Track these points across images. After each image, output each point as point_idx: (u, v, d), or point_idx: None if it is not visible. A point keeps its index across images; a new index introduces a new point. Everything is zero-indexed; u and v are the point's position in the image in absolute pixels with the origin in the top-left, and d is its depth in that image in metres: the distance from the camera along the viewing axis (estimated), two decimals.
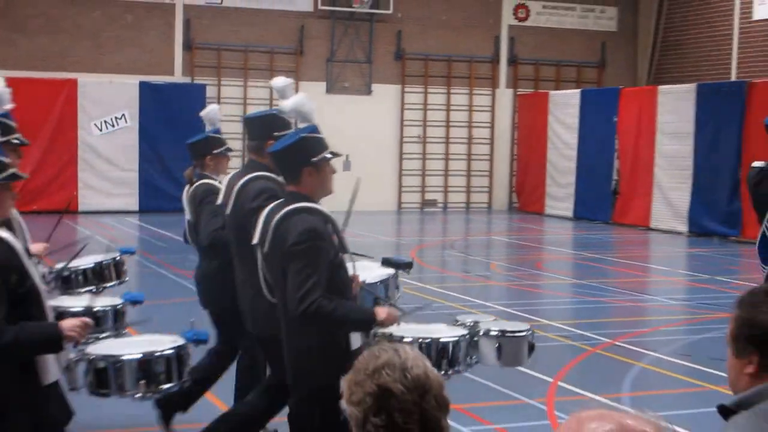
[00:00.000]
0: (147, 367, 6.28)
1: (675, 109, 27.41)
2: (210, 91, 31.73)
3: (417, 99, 34.11)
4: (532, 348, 7.10)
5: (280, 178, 7.18)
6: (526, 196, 33.74)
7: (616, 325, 14.29)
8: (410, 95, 34.08)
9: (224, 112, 31.90)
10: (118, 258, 9.20)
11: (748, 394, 3.75)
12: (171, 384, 6.44)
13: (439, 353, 6.55)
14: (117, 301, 8.14)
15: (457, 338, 6.72)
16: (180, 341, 6.52)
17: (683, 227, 27.20)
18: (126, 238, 23.31)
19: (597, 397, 10.04)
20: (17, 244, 5.78)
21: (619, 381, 10.48)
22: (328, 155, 6.55)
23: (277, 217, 6.40)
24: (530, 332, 7.13)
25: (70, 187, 28.16)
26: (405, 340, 6.48)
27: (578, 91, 32.24)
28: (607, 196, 30.18)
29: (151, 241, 23.00)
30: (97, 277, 8.74)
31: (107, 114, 29.34)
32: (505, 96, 35.30)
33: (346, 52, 33.61)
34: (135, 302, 8.31)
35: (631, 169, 29.28)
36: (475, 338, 6.88)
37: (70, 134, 28.81)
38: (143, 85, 29.87)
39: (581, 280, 19.63)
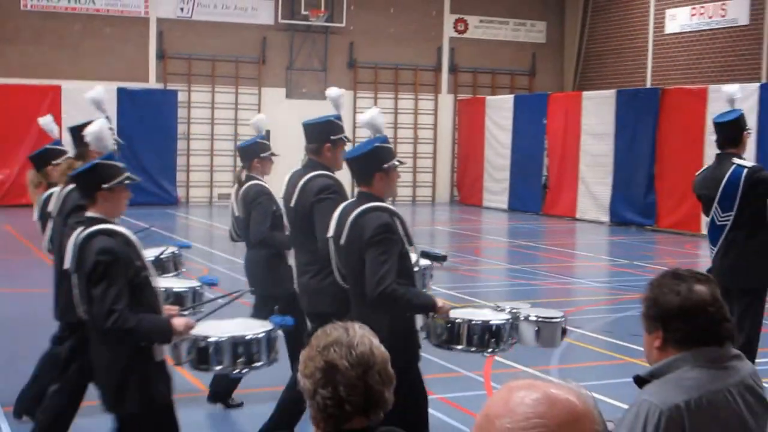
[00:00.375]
0: (243, 347, 6.47)
1: (597, 112, 27.54)
2: (181, 97, 31.60)
3: (367, 103, 33.91)
4: (564, 332, 7.37)
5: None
6: (466, 190, 33.76)
7: (545, 305, 14.33)
8: (361, 100, 34.00)
9: (193, 116, 32.12)
10: (176, 252, 9.55)
11: (659, 366, 3.90)
12: (261, 362, 6.58)
13: (488, 334, 6.81)
14: (195, 283, 8.60)
15: (503, 322, 6.96)
16: (269, 325, 6.66)
17: (605, 217, 27.34)
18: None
19: (528, 369, 10.05)
20: (134, 238, 6.08)
21: (549, 355, 10.52)
22: (396, 162, 6.85)
23: (354, 214, 6.62)
24: (564, 319, 7.37)
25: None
26: (457, 321, 6.80)
27: (512, 96, 32.31)
28: (537, 190, 30.31)
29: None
30: (159, 268, 8.74)
31: (88, 117, 28.88)
32: (446, 101, 35.30)
33: (304, 61, 33.53)
34: (211, 284, 8.65)
35: (559, 165, 29.40)
36: (517, 322, 7.09)
37: (56, 135, 28.55)
38: (121, 91, 29.66)
39: (515, 266, 19.72)
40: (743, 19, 29.85)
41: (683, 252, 21.48)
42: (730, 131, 9.20)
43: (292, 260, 8.62)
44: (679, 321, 3.87)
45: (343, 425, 3.39)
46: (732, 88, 9.82)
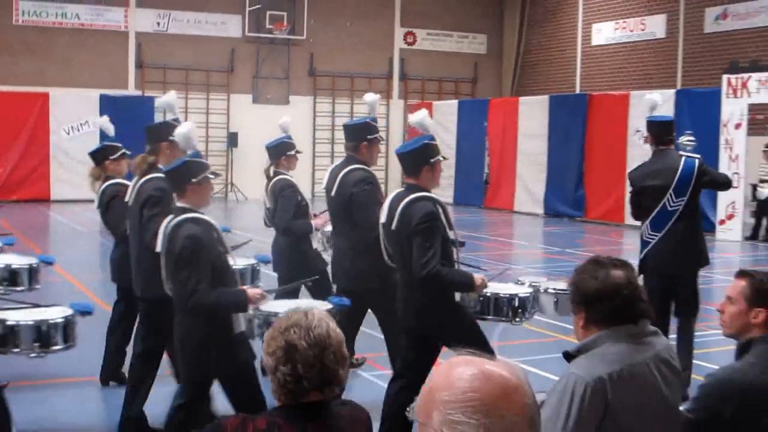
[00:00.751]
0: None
1: (532, 116, 27.58)
2: (158, 103, 31.36)
3: (326, 108, 33.98)
4: None
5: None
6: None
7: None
8: (321, 105, 33.92)
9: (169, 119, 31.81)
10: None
11: (585, 343, 3.96)
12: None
13: (515, 305, 7.15)
14: (251, 261, 8.99)
15: (527, 295, 7.34)
16: (328, 305, 6.78)
17: (540, 210, 27.34)
18: (93, 223, 23.04)
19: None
20: (216, 224, 6.43)
21: (489, 334, 10.50)
22: (441, 158, 7.10)
23: (403, 203, 6.83)
24: None
25: (44, 180, 27.98)
26: (487, 295, 7.24)
27: (456, 101, 32.34)
28: (479, 185, 30.30)
29: None
30: None
31: (74, 120, 28.91)
32: (397, 106, 35.22)
33: (268, 70, 33.40)
34: (265, 262, 9.28)
35: (499, 163, 29.42)
36: (538, 295, 7.49)
37: (43, 137, 28.45)
38: (103, 97, 29.40)
39: (461, 253, 19.73)
40: (660, 33, 30.04)
41: (609, 240, 21.55)
42: (667, 129, 9.37)
43: (315, 243, 9.36)
44: (598, 303, 3.94)
45: (300, 399, 3.40)
46: (654, 96, 10.00)
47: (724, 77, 22.15)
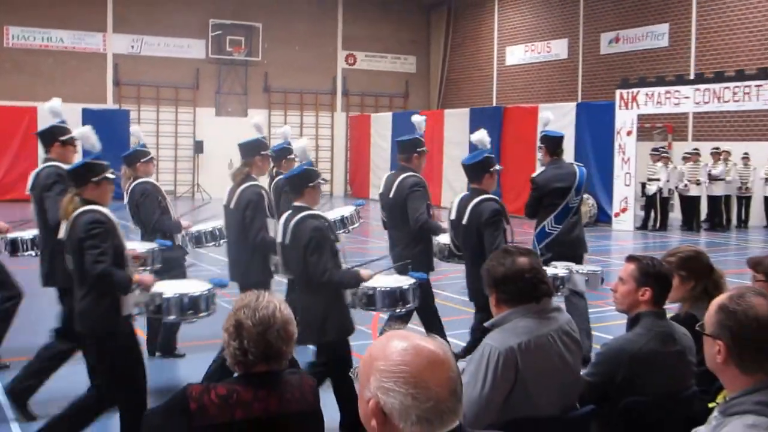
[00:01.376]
0: (398, 294, 6.94)
1: (455, 126, 27.58)
2: (132, 115, 30.98)
3: (279, 120, 33.74)
4: (602, 280, 8.08)
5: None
6: (357, 185, 33.48)
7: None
8: (275, 117, 33.66)
9: (142, 130, 31.31)
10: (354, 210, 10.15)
11: (498, 318, 4.00)
12: (411, 305, 7.13)
13: (557, 283, 7.31)
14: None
15: (566, 274, 7.64)
16: (411, 280, 7.03)
17: None
18: None
19: (410, 325, 10.04)
20: (330, 218, 6.94)
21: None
22: (498, 168, 7.73)
23: (473, 203, 7.37)
24: (601, 271, 8.19)
25: None
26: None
27: (390, 114, 32.27)
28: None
29: None
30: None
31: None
32: (340, 118, 35.17)
33: (229, 87, 33.21)
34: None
35: (428, 166, 29.36)
36: (571, 275, 7.78)
37: (32, 145, 27.87)
38: (85, 111, 29.04)
39: None
40: (563, 54, 30.28)
41: (521, 231, 21.61)
42: (559, 143, 9.68)
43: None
44: (505, 285, 4.00)
45: (249, 369, 3.42)
46: (547, 114, 10.43)
47: (617, 92, 22.37)
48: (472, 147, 20.63)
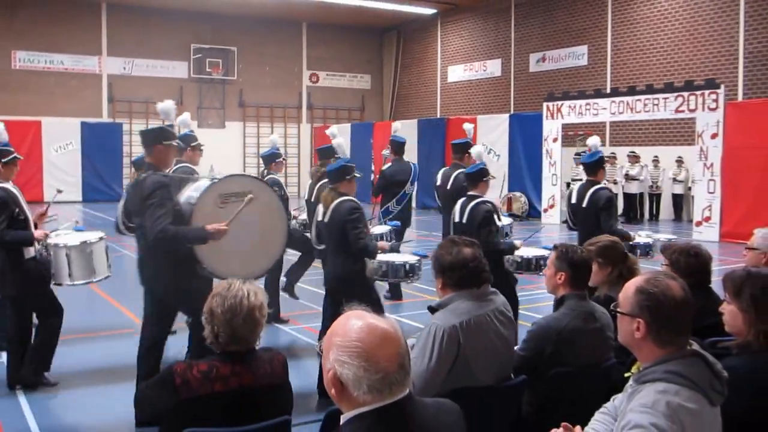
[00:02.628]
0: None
1: (406, 134, 27.57)
2: (125, 128, 30.87)
3: (252, 131, 33.70)
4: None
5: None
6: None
7: None
8: (249, 128, 33.59)
9: (134, 141, 31.28)
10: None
11: (443, 300, 3.99)
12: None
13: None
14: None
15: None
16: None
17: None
18: (74, 215, 22.53)
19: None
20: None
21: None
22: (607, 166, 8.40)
23: (591, 190, 8.24)
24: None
25: (38, 187, 27.13)
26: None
27: (349, 125, 32.25)
28: (367, 190, 30.39)
29: (94, 220, 22.24)
30: None
31: (61, 141, 28.35)
32: (305, 129, 34.99)
33: (209, 103, 32.98)
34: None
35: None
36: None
37: (37, 154, 27.76)
38: (83, 124, 28.91)
39: None
40: (497, 72, 30.39)
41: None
42: (402, 146, 11.30)
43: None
44: (450, 272, 3.99)
45: (224, 349, 3.46)
46: (396, 123, 11.81)
47: (544, 104, 22.51)
48: (422, 152, 20.58)
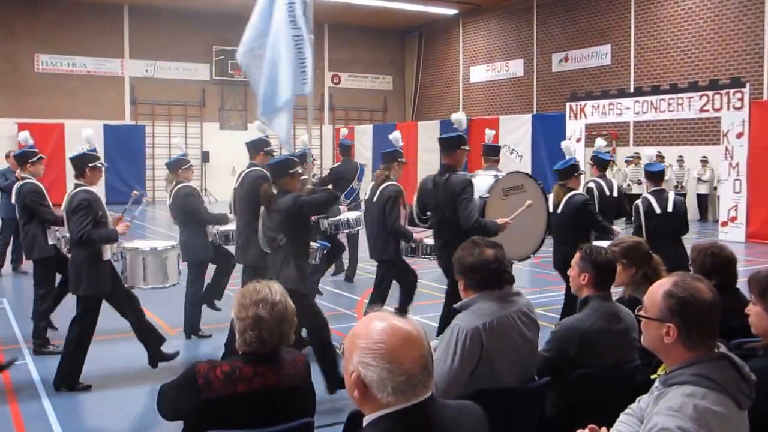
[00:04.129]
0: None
1: (428, 135, 27.51)
2: (147, 130, 31.12)
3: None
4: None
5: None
6: (342, 190, 33.63)
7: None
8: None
9: (156, 143, 31.52)
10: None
11: (465, 302, 3.97)
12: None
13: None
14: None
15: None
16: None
17: None
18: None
19: (386, 307, 10.03)
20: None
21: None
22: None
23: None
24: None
25: (61, 189, 27.29)
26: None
27: (371, 126, 32.30)
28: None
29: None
30: None
31: (83, 144, 28.55)
32: (328, 130, 35.09)
33: (231, 104, 33.12)
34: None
35: (405, 172, 29.42)
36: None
37: (60, 157, 27.84)
38: (106, 127, 29.10)
39: None
40: (520, 72, 30.35)
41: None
42: (350, 148, 12.11)
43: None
44: (472, 273, 3.97)
45: (259, 352, 3.41)
46: (344, 130, 11.18)
47: (567, 104, 22.43)
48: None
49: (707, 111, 18.74)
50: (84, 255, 6.73)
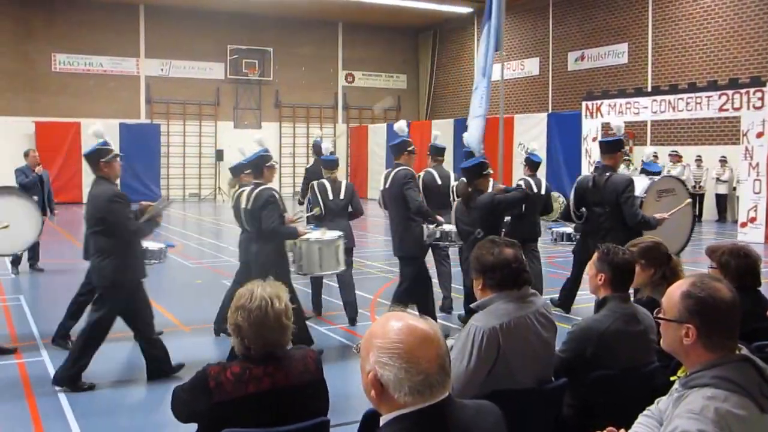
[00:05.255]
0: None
1: (442, 134, 27.59)
2: (162, 128, 31.26)
3: (288, 132, 33.93)
4: None
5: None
6: (357, 187, 33.52)
7: None
8: (285, 129, 33.85)
9: (171, 141, 31.65)
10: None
11: (482, 301, 3.95)
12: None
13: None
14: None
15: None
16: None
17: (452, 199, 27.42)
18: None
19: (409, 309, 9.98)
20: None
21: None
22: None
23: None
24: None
25: (78, 188, 27.54)
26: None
27: (385, 125, 32.34)
28: None
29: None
30: None
31: (95, 139, 28.82)
32: (342, 129, 35.22)
33: (245, 104, 33.25)
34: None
35: (417, 169, 29.35)
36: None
37: (77, 155, 28.08)
38: (121, 125, 29.23)
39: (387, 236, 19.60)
40: (535, 71, 30.30)
41: None
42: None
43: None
44: (493, 272, 3.95)
45: (251, 353, 3.44)
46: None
47: (583, 103, 22.34)
48: (458, 152, 20.70)
49: (726, 110, 18.62)
50: (269, 247, 7.60)
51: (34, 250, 13.21)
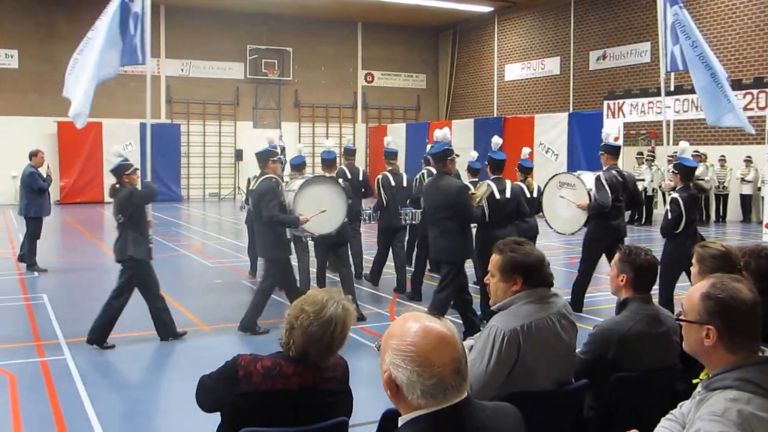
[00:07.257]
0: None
1: (462, 134, 27.48)
2: (183, 128, 31.41)
3: (308, 131, 33.98)
4: None
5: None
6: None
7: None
8: (304, 129, 33.92)
9: (191, 141, 31.77)
10: None
11: (503, 303, 3.93)
12: None
13: None
14: None
15: None
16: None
17: None
18: None
19: (419, 306, 9.97)
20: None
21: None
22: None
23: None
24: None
25: (99, 187, 27.81)
26: None
27: (404, 124, 32.35)
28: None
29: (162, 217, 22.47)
30: None
31: (121, 141, 28.62)
32: (361, 128, 35.24)
33: (264, 103, 33.35)
34: None
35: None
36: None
37: (98, 155, 28.39)
38: (142, 125, 29.34)
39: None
40: (556, 71, 30.18)
41: None
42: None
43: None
44: (530, 274, 3.91)
45: (289, 352, 3.41)
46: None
47: (605, 103, 22.23)
48: (479, 151, 20.73)
49: (751, 109, 18.47)
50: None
51: (30, 249, 13.41)
